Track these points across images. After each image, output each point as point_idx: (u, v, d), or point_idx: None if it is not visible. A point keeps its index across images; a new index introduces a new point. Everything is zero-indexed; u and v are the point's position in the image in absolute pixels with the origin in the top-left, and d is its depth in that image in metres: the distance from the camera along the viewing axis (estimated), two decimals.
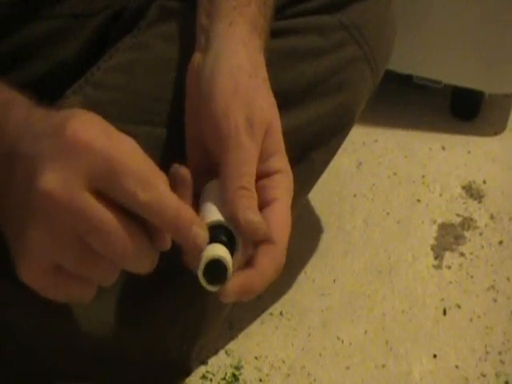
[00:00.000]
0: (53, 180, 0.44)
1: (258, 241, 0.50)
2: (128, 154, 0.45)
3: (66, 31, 0.67)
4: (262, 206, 0.52)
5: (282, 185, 0.53)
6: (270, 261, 0.50)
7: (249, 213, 0.49)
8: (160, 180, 0.45)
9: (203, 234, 0.47)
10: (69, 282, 0.47)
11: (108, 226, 0.44)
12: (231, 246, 0.49)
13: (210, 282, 0.48)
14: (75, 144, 0.44)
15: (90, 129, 0.45)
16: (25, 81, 0.65)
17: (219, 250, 0.48)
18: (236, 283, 0.48)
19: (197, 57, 0.57)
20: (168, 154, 0.60)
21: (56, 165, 0.44)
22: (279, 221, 0.51)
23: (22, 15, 0.65)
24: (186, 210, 0.46)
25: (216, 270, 0.48)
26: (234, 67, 0.53)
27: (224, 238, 0.49)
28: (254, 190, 0.51)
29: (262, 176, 0.53)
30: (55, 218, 0.44)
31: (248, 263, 0.50)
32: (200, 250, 0.47)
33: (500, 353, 0.82)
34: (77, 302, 0.49)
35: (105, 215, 0.44)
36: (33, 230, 0.45)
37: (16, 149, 0.46)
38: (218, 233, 0.49)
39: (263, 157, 0.53)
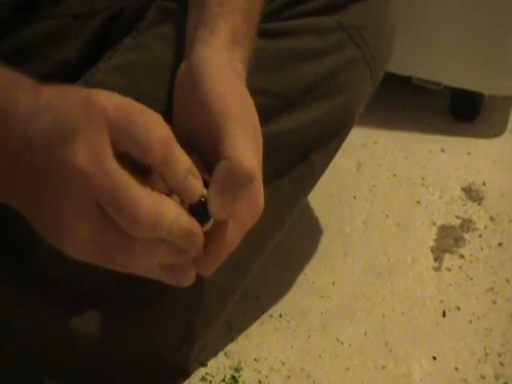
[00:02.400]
0: (78, 153, 0.44)
1: None
2: (144, 112, 0.46)
3: (65, 31, 0.67)
4: None
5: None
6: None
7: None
8: (173, 138, 0.46)
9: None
10: (107, 252, 0.47)
11: (130, 192, 0.45)
12: None
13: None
14: (95, 109, 0.45)
15: (111, 96, 0.46)
16: None
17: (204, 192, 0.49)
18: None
19: (184, 64, 0.57)
20: None
21: (80, 136, 0.45)
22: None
23: (22, 15, 0.65)
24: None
25: (198, 211, 0.49)
26: (218, 72, 0.53)
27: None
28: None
29: None
30: (84, 190, 0.45)
31: None
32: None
33: (499, 355, 0.82)
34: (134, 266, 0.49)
35: (127, 182, 0.45)
36: (67, 206, 0.46)
37: (30, 132, 0.46)
38: None
39: None
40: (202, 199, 0.49)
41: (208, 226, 0.50)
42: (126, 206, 0.45)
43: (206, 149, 0.52)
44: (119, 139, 0.45)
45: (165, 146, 0.45)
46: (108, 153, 0.45)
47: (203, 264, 0.50)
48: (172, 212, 0.46)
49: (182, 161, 0.47)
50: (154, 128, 0.45)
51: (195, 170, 0.48)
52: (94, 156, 0.44)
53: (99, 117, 0.45)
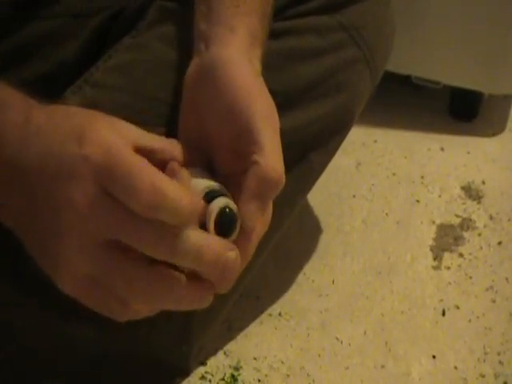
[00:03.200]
0: (74, 196, 0.45)
1: None
2: (130, 159, 0.45)
3: (65, 31, 0.67)
4: None
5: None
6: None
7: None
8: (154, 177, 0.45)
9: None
10: (105, 293, 0.47)
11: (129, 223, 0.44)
12: None
13: (220, 234, 0.48)
14: (84, 159, 0.45)
15: (101, 137, 0.46)
16: (24, 81, 0.65)
17: (227, 201, 0.48)
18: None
19: (195, 62, 0.56)
20: None
21: (74, 180, 0.45)
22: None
23: (21, 14, 0.65)
24: (186, 199, 0.45)
25: (224, 221, 0.48)
26: (242, 68, 0.53)
27: (227, 193, 0.49)
28: None
29: None
30: (81, 228, 0.45)
31: None
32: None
33: (499, 353, 0.82)
34: (119, 316, 0.49)
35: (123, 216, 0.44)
36: (62, 244, 0.46)
37: (23, 158, 0.46)
38: (216, 193, 0.49)
39: None
40: (227, 210, 0.48)
41: (233, 236, 0.48)
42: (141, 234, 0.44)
43: (216, 150, 0.52)
44: (108, 189, 0.45)
45: (153, 194, 0.44)
46: (97, 190, 0.44)
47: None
48: (194, 235, 0.45)
49: (183, 204, 0.45)
50: (139, 178, 0.44)
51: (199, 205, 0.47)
52: (89, 198, 0.44)
53: (86, 166, 0.45)
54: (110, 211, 0.44)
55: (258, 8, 0.58)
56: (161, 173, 0.45)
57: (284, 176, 0.49)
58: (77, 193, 0.45)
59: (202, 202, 0.47)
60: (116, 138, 0.46)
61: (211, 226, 0.47)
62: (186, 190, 0.46)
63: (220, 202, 0.48)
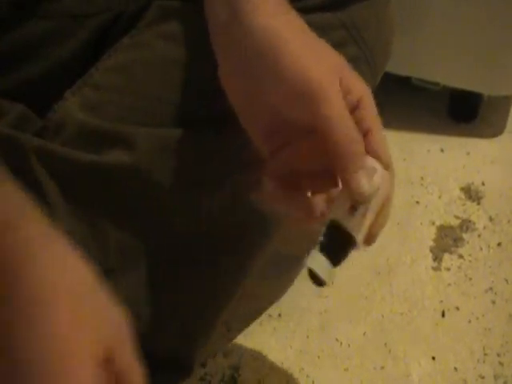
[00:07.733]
0: None
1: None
2: None
3: (64, 31, 0.67)
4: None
5: (369, 110, 0.55)
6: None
7: (362, 182, 0.50)
8: None
9: None
10: None
11: None
12: (345, 245, 0.52)
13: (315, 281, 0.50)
14: None
15: None
16: (23, 81, 0.65)
17: (318, 262, 0.50)
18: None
19: (221, 39, 0.55)
20: (169, 153, 0.59)
21: None
22: (380, 147, 0.53)
23: (20, 14, 0.65)
24: None
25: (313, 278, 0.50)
26: (285, 24, 0.53)
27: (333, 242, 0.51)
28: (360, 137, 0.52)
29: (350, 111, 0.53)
30: None
31: None
32: None
33: (498, 354, 0.82)
34: None
35: None
36: None
37: None
38: (332, 235, 0.51)
39: (345, 94, 0.54)
40: (315, 273, 0.50)
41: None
42: None
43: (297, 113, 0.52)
44: None
45: None
46: None
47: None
48: None
49: None
50: None
51: None
52: None
53: None
54: None
55: None
56: None
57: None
58: None
59: None
60: None
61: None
62: None
63: (312, 262, 0.50)
